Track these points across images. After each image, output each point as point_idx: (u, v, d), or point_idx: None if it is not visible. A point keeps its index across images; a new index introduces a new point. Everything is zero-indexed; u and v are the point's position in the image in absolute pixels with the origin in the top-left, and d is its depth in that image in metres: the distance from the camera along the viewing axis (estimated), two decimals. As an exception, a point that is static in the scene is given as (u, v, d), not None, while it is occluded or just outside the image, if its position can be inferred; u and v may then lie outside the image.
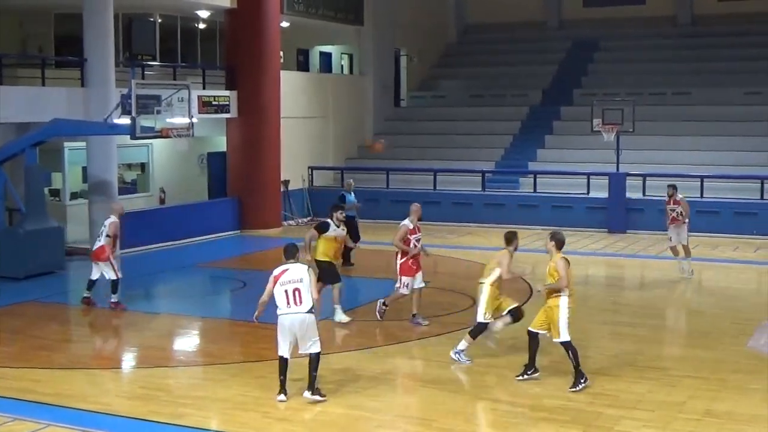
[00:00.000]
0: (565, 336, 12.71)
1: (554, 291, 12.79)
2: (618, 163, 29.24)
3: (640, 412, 11.87)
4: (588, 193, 30.05)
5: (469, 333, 14.14)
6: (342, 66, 40.55)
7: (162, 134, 22.59)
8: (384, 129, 37.03)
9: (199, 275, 23.13)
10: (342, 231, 16.83)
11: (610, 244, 26.91)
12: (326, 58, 39.98)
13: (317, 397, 12.26)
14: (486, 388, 13.09)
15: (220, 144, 30.34)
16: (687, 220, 20.94)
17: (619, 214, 28.93)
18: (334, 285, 16.64)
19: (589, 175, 30.18)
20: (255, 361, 14.35)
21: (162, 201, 29.91)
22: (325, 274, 16.43)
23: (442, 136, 35.45)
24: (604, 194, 29.29)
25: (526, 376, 13.10)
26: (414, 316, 16.47)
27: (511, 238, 14.09)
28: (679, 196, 21.21)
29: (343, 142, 35.42)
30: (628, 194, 29.21)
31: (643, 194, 29.35)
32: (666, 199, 21.43)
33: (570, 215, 28.91)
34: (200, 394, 12.92)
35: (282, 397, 12.26)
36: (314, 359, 12.31)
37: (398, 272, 16.40)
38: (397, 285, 16.45)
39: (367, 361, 14.37)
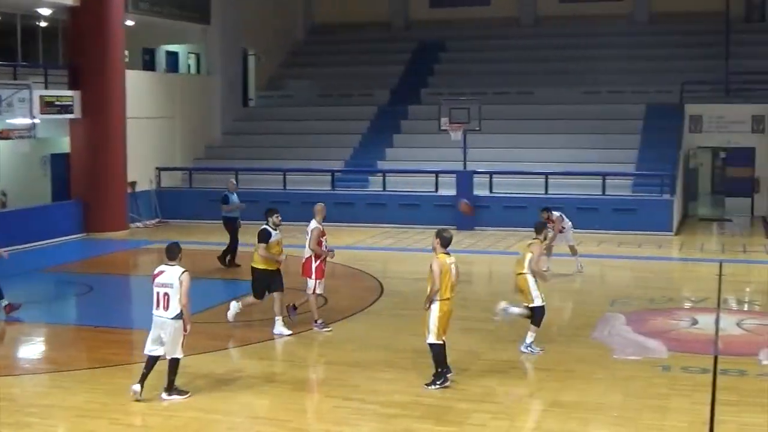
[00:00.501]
0: (432, 338, 12.67)
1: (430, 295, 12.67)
2: (465, 161, 29.75)
3: (490, 405, 12.09)
4: (436, 191, 30.48)
5: (532, 323, 14.48)
6: (189, 65, 40.01)
7: (2, 135, 21.86)
8: (232, 129, 36.72)
9: (43, 280, 22.46)
10: (280, 234, 16.09)
11: (458, 241, 27.24)
12: (172, 57, 39.39)
13: (175, 397, 12.18)
14: (338, 386, 13.11)
15: (64, 145, 29.53)
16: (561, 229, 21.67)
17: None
18: (276, 293, 15.91)
19: (437, 173, 30.61)
20: (102, 367, 14.04)
21: (3, 204, 28.95)
22: (260, 283, 15.97)
23: (291, 136, 35.36)
24: (452, 192, 29.74)
25: (434, 387, 12.70)
26: (316, 321, 16.20)
27: (540, 229, 15.17)
28: (555, 214, 21.76)
29: (191, 143, 34.95)
30: (476, 192, 29.72)
31: (490, 191, 29.94)
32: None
33: (418, 213, 29.28)
34: (46, 402, 12.55)
35: (137, 387, 12.10)
36: (172, 364, 12.20)
37: (313, 275, 16.19)
38: (309, 288, 16.23)
39: (218, 363, 14.23)
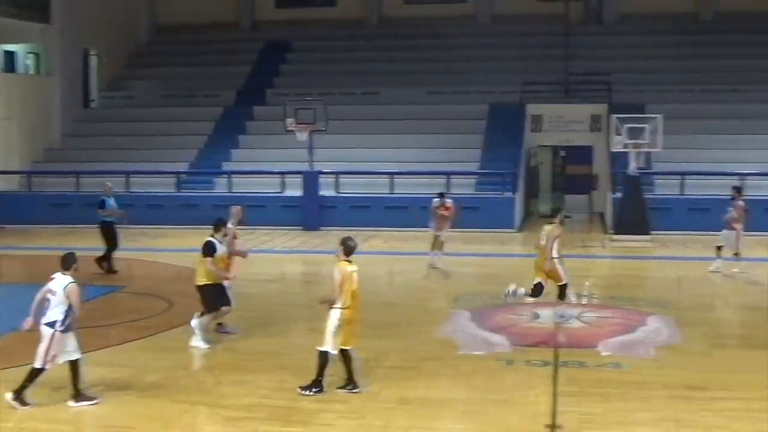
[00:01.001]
0: (326, 346, 12.44)
1: (326, 301, 12.53)
2: (311, 161, 29.74)
3: (338, 404, 12.09)
4: (282, 191, 30.38)
5: (559, 297, 16.32)
6: (27, 65, 38.77)
7: None
8: (73, 131, 35.82)
9: None
10: (225, 248, 15.35)
11: (304, 241, 27.32)
12: (10, 57, 38.09)
13: (84, 403, 12.00)
14: (184, 391, 12.89)
15: None
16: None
17: (313, 212, 29.45)
18: (223, 308, 15.27)
19: (283, 174, 30.51)
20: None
21: None
22: (213, 297, 15.14)
23: (135, 137, 34.70)
24: (299, 192, 29.69)
25: (310, 392, 12.51)
26: (220, 325, 15.79)
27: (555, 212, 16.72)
28: (448, 201, 22.31)
29: (29, 145, 33.91)
30: (322, 192, 29.76)
31: (336, 192, 30.02)
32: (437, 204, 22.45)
33: (265, 214, 29.06)
34: None
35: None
36: (72, 367, 12.03)
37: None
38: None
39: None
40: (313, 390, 12.43)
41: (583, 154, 34.47)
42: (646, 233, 27.24)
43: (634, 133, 27.47)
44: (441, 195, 22.96)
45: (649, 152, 28.39)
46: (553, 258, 16.13)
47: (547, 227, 16.41)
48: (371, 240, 26.23)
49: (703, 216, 28.22)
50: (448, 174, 30.00)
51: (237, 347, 15.07)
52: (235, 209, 16.54)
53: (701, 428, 11.30)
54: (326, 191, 29.99)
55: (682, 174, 29.68)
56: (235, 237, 16.11)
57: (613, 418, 11.62)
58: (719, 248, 22.27)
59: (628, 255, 25.64)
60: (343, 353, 12.51)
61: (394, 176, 30.15)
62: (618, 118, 27.90)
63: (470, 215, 28.58)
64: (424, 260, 22.49)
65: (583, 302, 18.57)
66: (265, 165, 31.70)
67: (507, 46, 38.04)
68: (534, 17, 38.95)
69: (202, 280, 15.07)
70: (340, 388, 12.59)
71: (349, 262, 12.55)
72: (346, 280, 12.38)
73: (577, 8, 39.09)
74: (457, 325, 16.57)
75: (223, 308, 15.21)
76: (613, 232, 28.36)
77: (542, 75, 35.37)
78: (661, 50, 36.88)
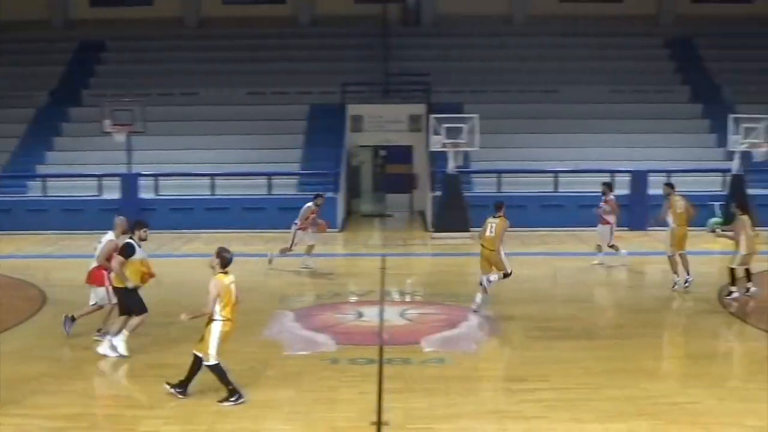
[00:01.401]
0: (211, 360, 12.15)
1: (196, 315, 12.27)
2: (130, 163, 29.10)
3: (161, 411, 11.85)
4: (100, 194, 29.61)
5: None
6: None
7: None
8: None
9: None
10: (144, 251, 14.59)
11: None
12: None
13: None
14: (-2, 403, 12.40)
15: None
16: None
17: (132, 215, 28.56)
18: (142, 314, 14.54)
19: (100, 176, 29.74)
20: None
21: None
22: (133, 302, 14.46)
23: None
24: (117, 195, 29.01)
25: (174, 391, 12.26)
26: (100, 330, 15.29)
27: (500, 206, 17.51)
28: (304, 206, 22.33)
29: None
30: (141, 195, 29.16)
31: (156, 194, 29.48)
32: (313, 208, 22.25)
33: (82, 218, 28.25)
34: None
35: None
36: None
37: (107, 283, 15.16)
38: (103, 299, 15.35)
39: None
40: (231, 400, 12.09)
41: (403, 154, 34.95)
42: (466, 230, 27.80)
43: (453, 133, 28.02)
44: (317, 197, 22.88)
45: (467, 151, 29.00)
46: (492, 250, 17.08)
47: (492, 220, 17.38)
48: (192, 242, 25.90)
49: (520, 212, 29.01)
50: (269, 175, 29.89)
51: (54, 356, 14.59)
52: (119, 220, 15.74)
53: (522, 419, 11.59)
54: (146, 194, 29.40)
55: (499, 172, 30.44)
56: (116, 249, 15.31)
57: (438, 413, 11.79)
58: (614, 246, 23.00)
59: (448, 252, 26.12)
60: (196, 358, 12.30)
61: (215, 178, 29.83)
62: (436, 118, 28.40)
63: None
64: (246, 261, 22.28)
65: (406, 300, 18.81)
66: (81, 167, 30.82)
67: (326, 47, 38.20)
68: (353, 18, 39.24)
69: (119, 283, 14.47)
70: (170, 384, 12.35)
71: (226, 273, 12.26)
72: (226, 293, 12.11)
73: (395, 10, 39.58)
74: (282, 325, 16.50)
75: (134, 320, 14.48)
76: (433, 230, 28.83)
77: (362, 76, 35.67)
78: (477, 51, 37.74)
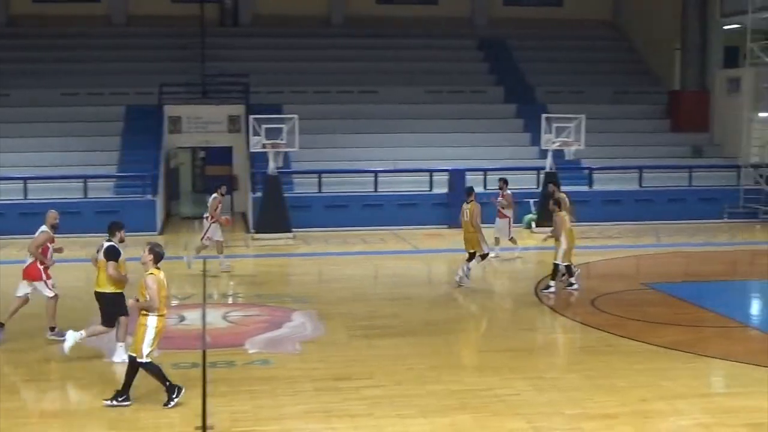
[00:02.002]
0: (142, 357, 11.95)
1: (144, 309, 12.04)
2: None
3: (-27, 424, 11.40)
4: None
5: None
6: None
7: None
8: None
9: None
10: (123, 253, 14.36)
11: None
12: None
13: None
14: None
15: None
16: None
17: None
18: (122, 317, 14.22)
19: None
20: None
21: None
22: (117, 307, 14.12)
23: None
24: None
25: (115, 402, 11.98)
26: (53, 329, 15.49)
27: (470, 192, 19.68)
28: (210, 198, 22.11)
29: None
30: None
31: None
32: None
33: None
34: None
35: None
36: None
37: (44, 277, 15.52)
38: (49, 292, 15.59)
39: None
40: (174, 398, 12.00)
41: (223, 155, 34.58)
42: (288, 231, 27.77)
43: (272, 134, 27.91)
44: (220, 185, 22.82)
45: (287, 152, 28.95)
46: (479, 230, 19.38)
47: (465, 206, 19.85)
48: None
49: (340, 213, 29.27)
50: (84, 178, 29.10)
51: None
52: (51, 213, 16.00)
53: (348, 417, 11.65)
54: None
55: (320, 173, 30.51)
56: (52, 242, 15.55)
57: (264, 414, 11.73)
58: (513, 239, 24.00)
59: (270, 253, 26.01)
60: (131, 361, 12.16)
61: (28, 181, 28.82)
62: (255, 118, 28.23)
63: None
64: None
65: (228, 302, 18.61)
66: None
67: (143, 48, 37.42)
68: (170, 18, 38.59)
69: (103, 288, 14.23)
70: (165, 404, 12.02)
71: (158, 269, 12.33)
72: (161, 288, 12.26)
73: (212, 10, 39.14)
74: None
75: (121, 318, 14.24)
76: (254, 231, 28.65)
77: (180, 76, 35.10)
78: (297, 52, 37.73)
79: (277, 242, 27.20)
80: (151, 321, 12.16)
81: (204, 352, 14.42)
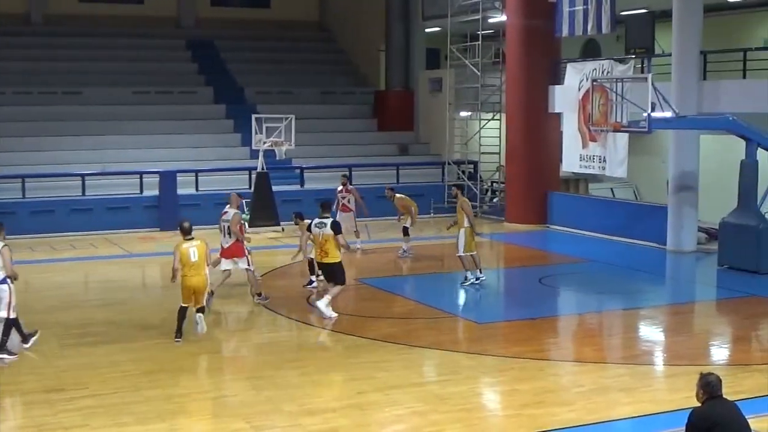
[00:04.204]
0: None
1: None
2: None
3: None
4: None
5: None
6: None
7: None
8: None
9: None
10: None
11: None
12: None
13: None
14: None
15: None
16: None
17: None
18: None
19: None
20: None
21: None
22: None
23: None
24: None
25: None
26: (260, 295, 18.03)
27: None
28: None
29: None
30: None
31: None
32: None
33: None
34: None
35: None
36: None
37: (244, 254, 18.13)
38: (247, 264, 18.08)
39: None
40: None
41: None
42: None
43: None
44: None
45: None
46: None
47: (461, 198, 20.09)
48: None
49: (47, 218, 28.13)
50: None
51: None
52: (234, 196, 19.03)
53: (62, 429, 11.26)
54: None
55: (23, 177, 29.14)
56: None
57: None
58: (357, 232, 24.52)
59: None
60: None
61: None
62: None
63: None
64: None
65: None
66: None
67: None
68: None
69: (335, 258, 17.00)
70: None
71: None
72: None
73: None
74: None
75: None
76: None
77: None
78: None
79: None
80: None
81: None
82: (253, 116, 29.52)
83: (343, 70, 40.36)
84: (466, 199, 20.55)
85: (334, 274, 17.17)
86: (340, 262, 17.19)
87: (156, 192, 29.41)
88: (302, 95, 36.74)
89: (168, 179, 29.47)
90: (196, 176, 30.21)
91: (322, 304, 16.97)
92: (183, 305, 15.44)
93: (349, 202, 24.87)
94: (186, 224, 15.55)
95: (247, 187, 29.96)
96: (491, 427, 11.98)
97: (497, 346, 15.68)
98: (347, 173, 26.78)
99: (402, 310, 18.56)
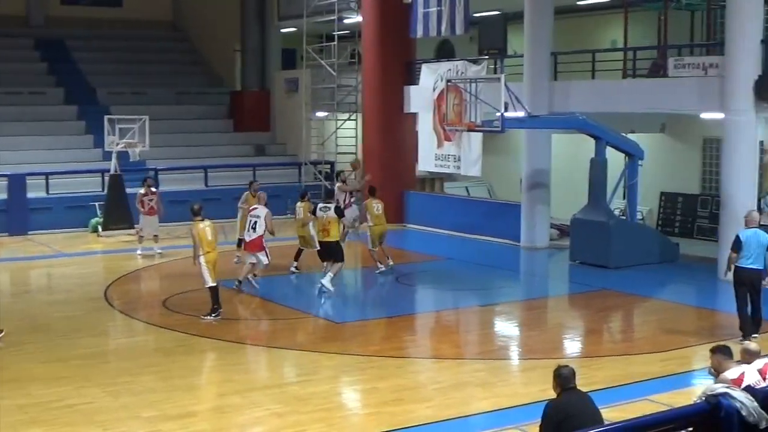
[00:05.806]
0: None
1: None
2: None
3: None
4: None
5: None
6: None
7: None
8: None
9: None
10: None
11: None
12: None
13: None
14: None
15: None
16: None
17: None
18: None
19: None
20: None
21: None
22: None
23: None
24: None
25: None
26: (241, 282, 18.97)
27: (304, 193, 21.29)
28: None
29: None
30: None
31: None
32: None
33: None
34: None
35: None
36: None
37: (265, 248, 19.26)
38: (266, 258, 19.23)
39: None
40: None
41: None
42: None
43: None
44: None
45: None
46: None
47: (300, 204, 21.05)
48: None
49: None
50: None
51: None
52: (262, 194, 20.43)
53: None
54: None
55: None
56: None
57: None
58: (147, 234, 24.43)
59: None
60: None
61: None
62: None
63: None
64: None
65: None
66: None
67: None
68: None
69: (335, 237, 19.37)
70: None
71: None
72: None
73: None
74: None
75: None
76: None
77: None
78: None
79: None
80: None
81: None
82: (106, 117, 28.86)
83: (198, 70, 39.91)
84: (371, 200, 21.95)
85: (333, 252, 19.42)
86: (338, 241, 19.71)
87: (5, 196, 28.46)
88: (156, 96, 36.15)
89: (17, 182, 28.57)
90: (47, 179, 29.37)
91: (326, 280, 19.06)
92: (213, 285, 16.78)
93: (156, 204, 24.62)
94: (196, 206, 17.07)
95: (101, 189, 29.30)
96: (351, 425, 12.03)
97: (356, 345, 15.74)
98: (152, 176, 26.56)
99: (261, 311, 18.47)
